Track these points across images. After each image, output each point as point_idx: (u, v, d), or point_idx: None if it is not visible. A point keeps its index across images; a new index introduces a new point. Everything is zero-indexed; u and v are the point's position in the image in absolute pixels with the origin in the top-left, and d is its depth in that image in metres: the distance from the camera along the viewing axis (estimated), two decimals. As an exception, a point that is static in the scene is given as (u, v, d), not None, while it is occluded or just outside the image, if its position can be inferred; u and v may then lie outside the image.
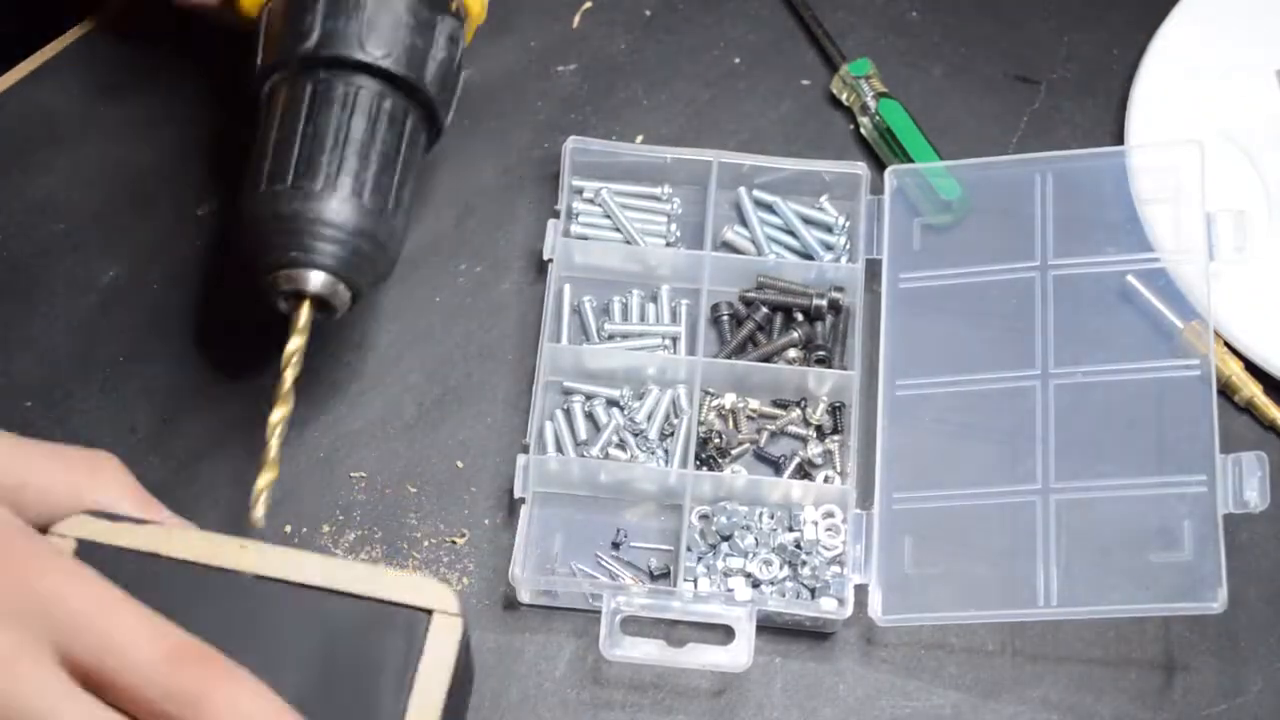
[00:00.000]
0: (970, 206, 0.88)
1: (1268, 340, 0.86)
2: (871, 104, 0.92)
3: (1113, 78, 0.95)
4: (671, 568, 0.81)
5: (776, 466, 0.85)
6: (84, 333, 0.87)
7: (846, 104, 0.94)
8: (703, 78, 0.96)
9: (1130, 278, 0.85)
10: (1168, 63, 0.93)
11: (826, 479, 0.84)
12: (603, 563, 0.82)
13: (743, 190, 0.90)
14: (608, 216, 0.90)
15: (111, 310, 0.88)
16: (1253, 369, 0.85)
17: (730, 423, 0.86)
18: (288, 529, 0.82)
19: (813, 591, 0.81)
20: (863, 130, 0.93)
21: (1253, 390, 0.85)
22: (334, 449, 0.85)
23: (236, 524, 0.82)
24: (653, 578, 0.82)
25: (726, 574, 0.81)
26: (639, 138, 0.94)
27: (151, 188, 0.91)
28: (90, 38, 0.96)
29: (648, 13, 0.98)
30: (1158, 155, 0.87)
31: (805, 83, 0.96)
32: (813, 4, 0.97)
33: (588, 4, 0.98)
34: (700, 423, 0.85)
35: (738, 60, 0.96)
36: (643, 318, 0.88)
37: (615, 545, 0.83)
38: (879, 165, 0.91)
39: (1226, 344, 0.86)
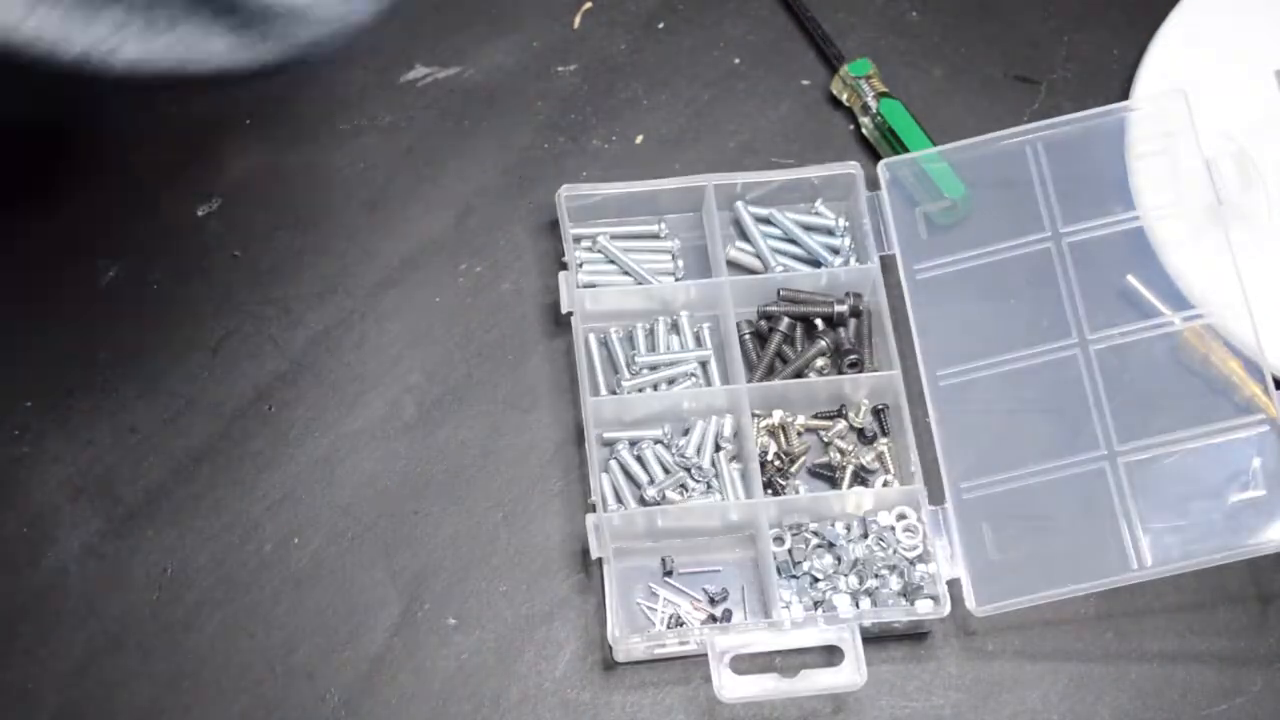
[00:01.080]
0: (971, 206, 0.88)
1: (1268, 340, 0.85)
2: (872, 104, 0.92)
3: (1113, 78, 0.95)
4: (744, 594, 0.82)
5: (831, 480, 0.84)
6: (84, 333, 0.87)
7: (846, 104, 0.93)
8: (703, 78, 0.96)
9: (1130, 278, 0.86)
10: (1168, 63, 0.93)
11: (885, 483, 0.84)
12: (659, 593, 0.82)
13: (741, 205, 0.90)
14: (612, 262, 0.89)
15: (112, 310, 0.88)
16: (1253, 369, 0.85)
17: (782, 441, 0.85)
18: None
19: (904, 595, 0.81)
20: (864, 130, 0.93)
21: (1253, 390, 0.85)
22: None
23: (237, 523, 0.83)
24: (713, 602, 0.81)
25: (815, 596, 0.80)
26: (639, 138, 0.94)
27: (152, 188, 0.91)
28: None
29: (648, 13, 0.98)
30: (1147, 111, 0.87)
31: (805, 83, 0.95)
32: (812, 4, 0.97)
33: (588, 4, 0.98)
34: (764, 452, 0.84)
35: (738, 60, 0.96)
36: (668, 347, 0.87)
37: (668, 573, 0.82)
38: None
39: (1226, 344, 0.85)
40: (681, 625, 0.80)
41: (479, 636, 0.80)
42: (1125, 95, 0.93)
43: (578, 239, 0.89)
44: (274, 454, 0.84)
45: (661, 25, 0.97)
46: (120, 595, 0.81)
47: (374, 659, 0.80)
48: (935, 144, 0.90)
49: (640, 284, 0.88)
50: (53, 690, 0.79)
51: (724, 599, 0.81)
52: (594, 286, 0.88)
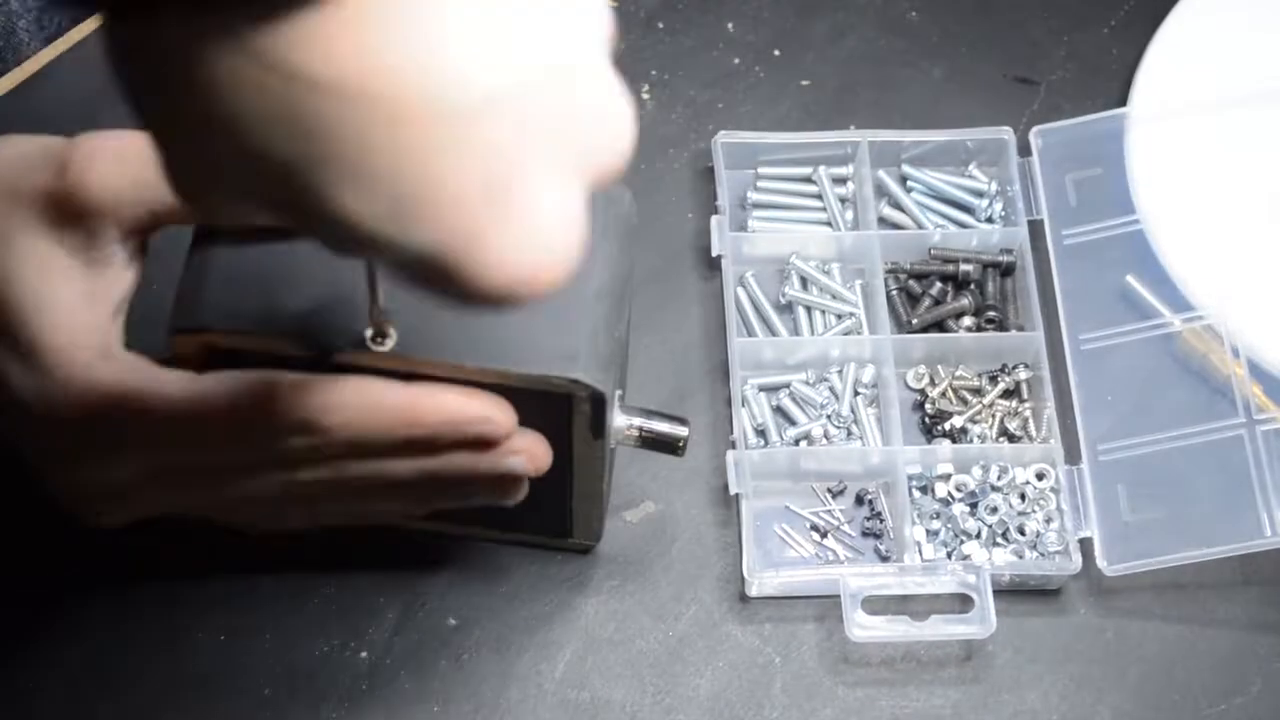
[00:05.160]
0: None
1: (1269, 340, 0.86)
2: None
3: (1113, 78, 0.95)
4: (880, 539, 0.83)
5: (975, 434, 0.86)
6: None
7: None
8: (702, 78, 0.96)
9: (1130, 278, 0.87)
10: (1168, 63, 0.93)
11: (1029, 438, 0.85)
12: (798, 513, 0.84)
13: (905, 166, 0.92)
14: (769, 208, 0.91)
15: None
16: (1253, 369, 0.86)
17: (931, 393, 0.87)
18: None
19: (1036, 549, 0.82)
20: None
21: (1254, 390, 0.85)
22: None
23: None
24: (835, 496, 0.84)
25: (947, 544, 0.82)
26: (639, 138, 0.94)
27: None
28: (90, 41, 0.95)
29: (648, 12, 0.98)
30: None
31: (805, 83, 0.96)
32: (813, 3, 0.97)
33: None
34: (923, 396, 0.86)
35: (737, 60, 0.96)
36: (821, 291, 0.89)
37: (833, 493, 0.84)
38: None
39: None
40: (825, 536, 0.83)
41: (478, 636, 0.80)
42: (1125, 95, 0.93)
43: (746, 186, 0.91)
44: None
45: (661, 25, 0.97)
46: (121, 595, 0.81)
47: (373, 661, 0.80)
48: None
49: (794, 231, 0.90)
50: (53, 689, 0.79)
51: (841, 491, 0.84)
52: (751, 231, 0.90)
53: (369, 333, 0.66)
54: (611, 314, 0.69)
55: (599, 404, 0.68)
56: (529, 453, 0.69)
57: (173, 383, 0.65)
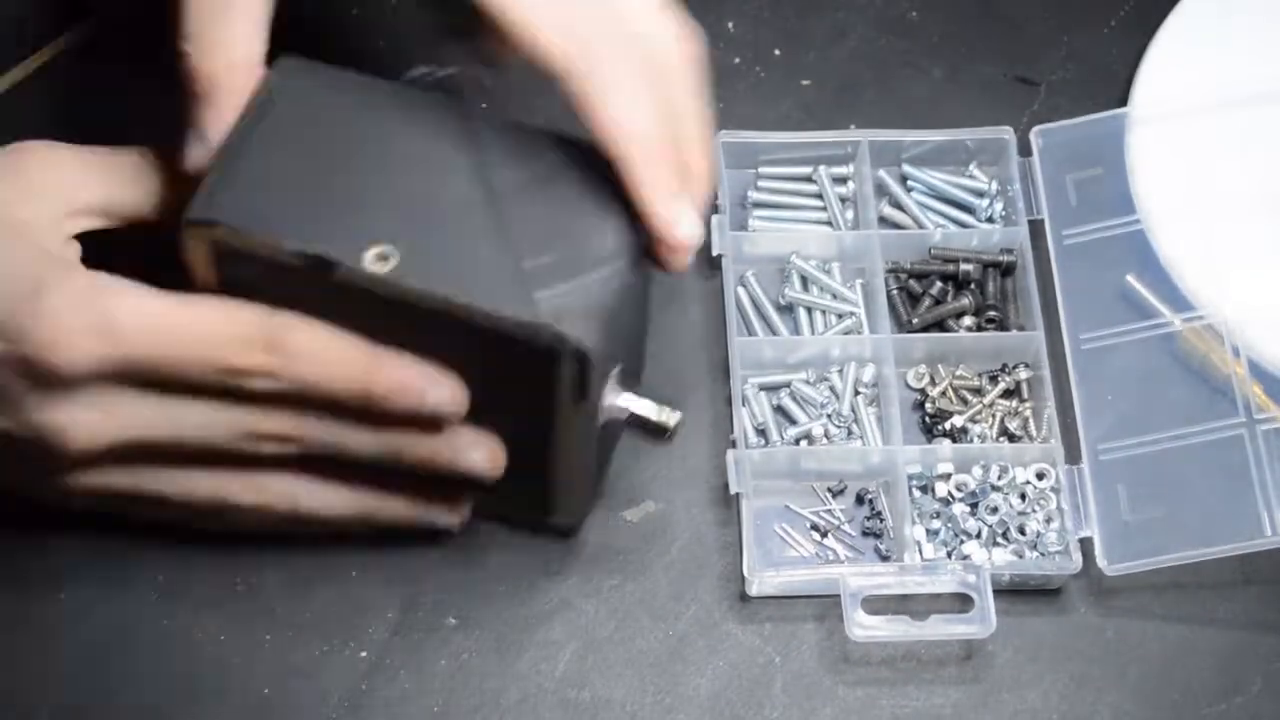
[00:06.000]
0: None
1: (1269, 340, 0.86)
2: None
3: (1113, 78, 0.95)
4: (879, 537, 0.84)
5: (975, 434, 0.86)
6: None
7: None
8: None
9: (1130, 278, 0.87)
10: (1168, 63, 0.93)
11: (1029, 438, 0.85)
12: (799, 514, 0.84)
13: (906, 165, 0.92)
14: (770, 207, 0.91)
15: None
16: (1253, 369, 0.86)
17: (931, 392, 0.87)
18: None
19: (1037, 549, 0.82)
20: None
21: (1254, 390, 0.85)
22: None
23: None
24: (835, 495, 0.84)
25: (947, 544, 0.82)
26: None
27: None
28: (86, 38, 0.95)
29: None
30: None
31: (805, 83, 0.96)
32: (813, 3, 0.97)
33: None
34: (923, 395, 0.86)
35: (738, 60, 0.97)
36: (821, 291, 0.89)
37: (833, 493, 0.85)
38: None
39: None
40: (825, 535, 0.83)
41: (478, 636, 0.80)
42: (1125, 96, 0.93)
43: (746, 185, 0.92)
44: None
45: (662, 25, 0.97)
46: (121, 596, 0.81)
47: (373, 661, 0.80)
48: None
49: (794, 230, 0.91)
50: (53, 689, 0.79)
51: (841, 491, 0.84)
52: (752, 231, 0.91)
53: (370, 254, 0.67)
54: (618, 280, 0.69)
55: (583, 364, 0.68)
56: (489, 450, 0.71)
57: (151, 297, 0.68)
